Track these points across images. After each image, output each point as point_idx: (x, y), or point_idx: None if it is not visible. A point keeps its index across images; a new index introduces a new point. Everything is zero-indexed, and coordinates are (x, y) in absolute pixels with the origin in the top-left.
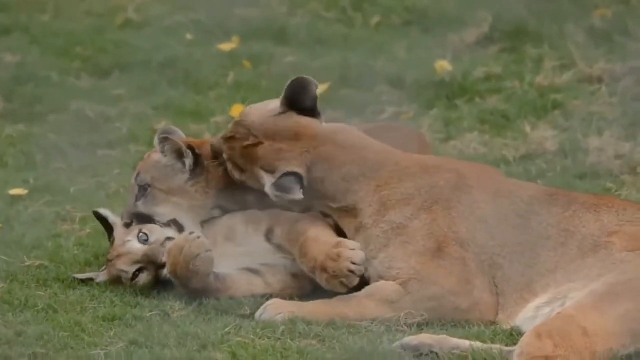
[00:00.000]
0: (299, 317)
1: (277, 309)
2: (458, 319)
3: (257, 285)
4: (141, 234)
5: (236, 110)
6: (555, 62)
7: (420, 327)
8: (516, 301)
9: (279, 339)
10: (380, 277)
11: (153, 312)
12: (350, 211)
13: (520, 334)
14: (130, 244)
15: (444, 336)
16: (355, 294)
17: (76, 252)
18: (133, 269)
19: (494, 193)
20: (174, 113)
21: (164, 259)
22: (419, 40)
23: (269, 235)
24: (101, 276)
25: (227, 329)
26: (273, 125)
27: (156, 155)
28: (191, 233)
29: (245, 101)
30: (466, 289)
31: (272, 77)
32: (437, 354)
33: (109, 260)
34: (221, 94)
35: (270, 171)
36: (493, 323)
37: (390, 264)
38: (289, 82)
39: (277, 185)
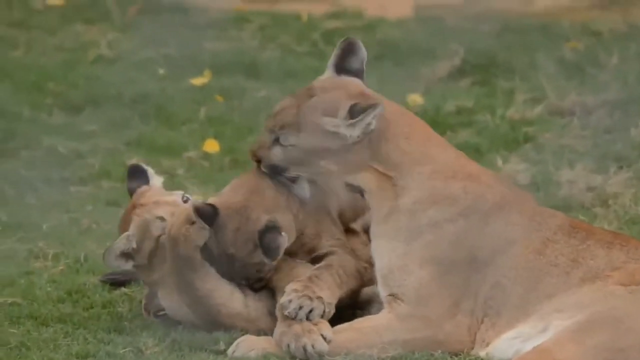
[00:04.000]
0: (272, 353)
1: (250, 345)
2: (433, 338)
3: (237, 299)
4: (184, 197)
5: (209, 145)
6: (527, 95)
7: None
8: (508, 322)
9: None
10: (389, 269)
11: (126, 349)
12: (391, 187)
13: None
14: (175, 198)
15: None
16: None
17: (49, 289)
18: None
19: (530, 218)
20: (146, 148)
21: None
22: (390, 73)
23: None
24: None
25: None
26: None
27: None
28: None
29: (217, 135)
30: (451, 313)
31: (244, 111)
32: None
33: (141, 205)
34: (193, 128)
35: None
36: (468, 355)
37: (405, 262)
38: (339, 43)
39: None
